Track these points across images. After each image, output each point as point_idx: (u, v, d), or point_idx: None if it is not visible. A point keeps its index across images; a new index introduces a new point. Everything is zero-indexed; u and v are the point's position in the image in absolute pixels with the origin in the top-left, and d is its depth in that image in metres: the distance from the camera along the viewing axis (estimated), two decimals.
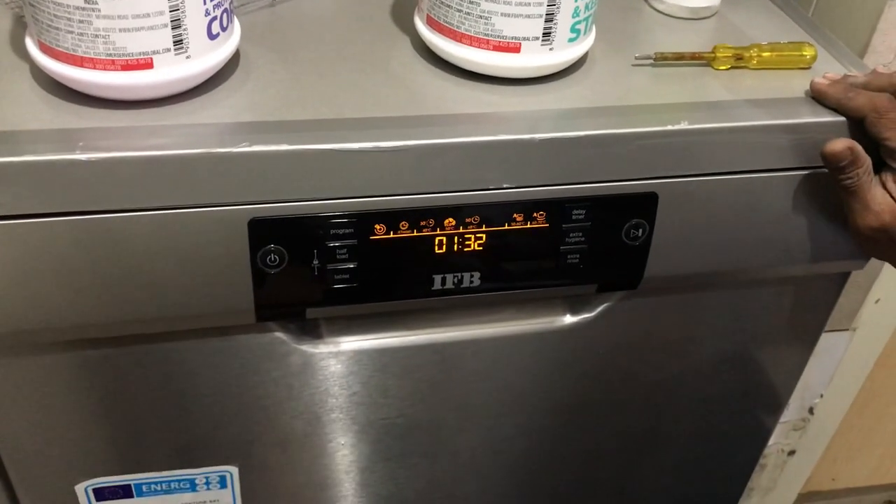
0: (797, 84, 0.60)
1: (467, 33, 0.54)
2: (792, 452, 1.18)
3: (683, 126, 0.54)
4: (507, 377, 0.66)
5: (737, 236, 0.60)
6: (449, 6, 0.53)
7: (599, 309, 0.64)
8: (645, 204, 0.56)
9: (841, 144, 0.54)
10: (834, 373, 1.09)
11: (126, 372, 0.58)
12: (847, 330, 1.03)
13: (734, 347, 0.71)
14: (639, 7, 0.69)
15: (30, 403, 0.58)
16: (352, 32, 0.61)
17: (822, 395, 1.11)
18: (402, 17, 0.63)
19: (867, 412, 1.16)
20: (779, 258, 0.62)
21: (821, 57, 0.62)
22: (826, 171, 0.57)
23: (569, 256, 0.57)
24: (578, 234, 0.56)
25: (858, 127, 0.55)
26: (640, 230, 0.57)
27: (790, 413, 1.12)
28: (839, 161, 0.55)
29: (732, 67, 0.61)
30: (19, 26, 0.57)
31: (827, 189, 0.59)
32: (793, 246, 0.61)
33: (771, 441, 0.88)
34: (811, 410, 1.13)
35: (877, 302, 1.01)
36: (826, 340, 0.77)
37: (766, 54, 0.61)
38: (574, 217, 0.55)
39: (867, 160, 0.55)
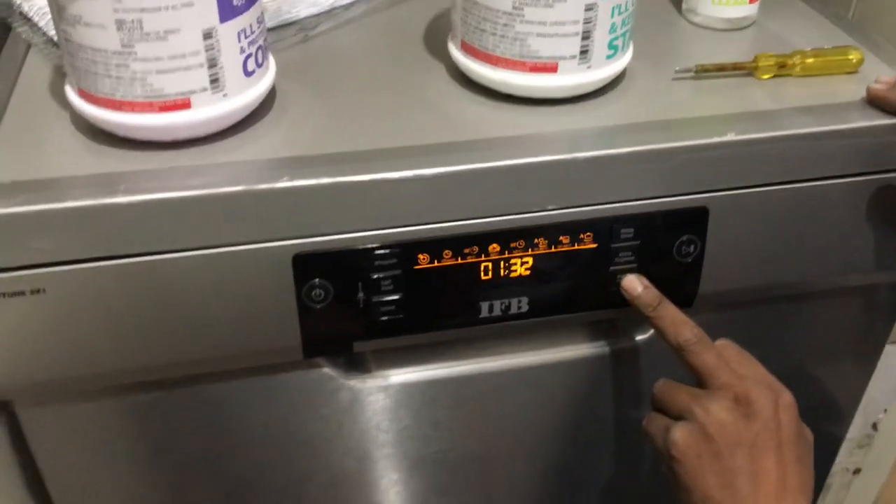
0: (844, 89, 0.58)
1: (503, 56, 0.53)
2: (857, 471, 1.14)
3: (731, 137, 0.53)
4: (560, 404, 0.64)
5: (793, 248, 0.58)
6: (483, 30, 0.53)
7: (653, 330, 0.62)
8: (695, 219, 0.54)
9: None
10: None
11: (174, 415, 0.58)
12: None
13: (794, 363, 0.68)
14: (673, 21, 0.68)
15: (78, 449, 0.58)
16: (385, 62, 0.61)
17: (885, 410, 1.07)
18: (434, 44, 0.63)
19: None
20: (838, 269, 0.60)
21: (867, 60, 0.61)
22: (884, 175, 0.55)
23: (619, 277, 0.55)
24: (628, 254, 0.55)
25: None
26: (692, 246, 0.55)
27: (853, 430, 1.08)
28: None
29: (776, 76, 0.60)
30: (59, 76, 0.57)
31: (885, 195, 0.57)
32: (852, 255, 0.59)
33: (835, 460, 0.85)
34: (875, 426, 1.09)
35: None
36: (889, 352, 0.74)
37: (810, 60, 0.60)
38: (623, 236, 0.54)
39: None
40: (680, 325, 0.53)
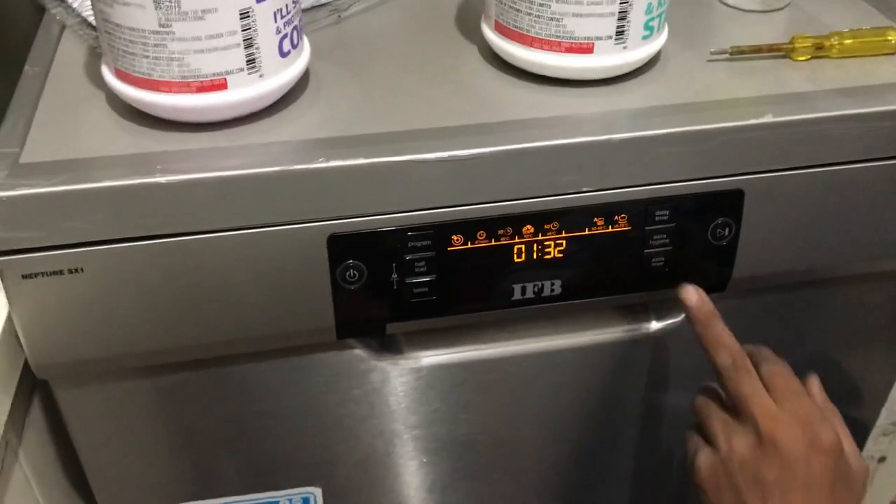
0: (883, 70, 0.57)
1: (538, 36, 0.53)
2: (882, 459, 1.13)
3: (768, 119, 0.52)
4: (591, 388, 0.64)
5: (829, 231, 0.57)
6: (518, 10, 0.52)
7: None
8: (731, 202, 0.54)
9: None
10: None
11: (206, 395, 0.58)
12: None
13: (827, 349, 0.68)
14: (707, 2, 0.67)
15: (113, 428, 0.58)
16: (418, 44, 0.60)
17: None
18: (467, 25, 0.62)
19: None
20: (874, 253, 0.59)
21: None
22: None
23: (653, 260, 0.55)
24: (662, 237, 0.54)
25: None
26: (727, 229, 0.55)
27: (879, 417, 1.07)
28: None
29: (812, 58, 0.59)
30: (93, 56, 0.57)
31: None
32: (889, 239, 0.59)
33: None
34: None
35: None
36: None
37: (847, 42, 0.59)
38: (657, 218, 0.54)
39: None
40: (720, 347, 0.51)
